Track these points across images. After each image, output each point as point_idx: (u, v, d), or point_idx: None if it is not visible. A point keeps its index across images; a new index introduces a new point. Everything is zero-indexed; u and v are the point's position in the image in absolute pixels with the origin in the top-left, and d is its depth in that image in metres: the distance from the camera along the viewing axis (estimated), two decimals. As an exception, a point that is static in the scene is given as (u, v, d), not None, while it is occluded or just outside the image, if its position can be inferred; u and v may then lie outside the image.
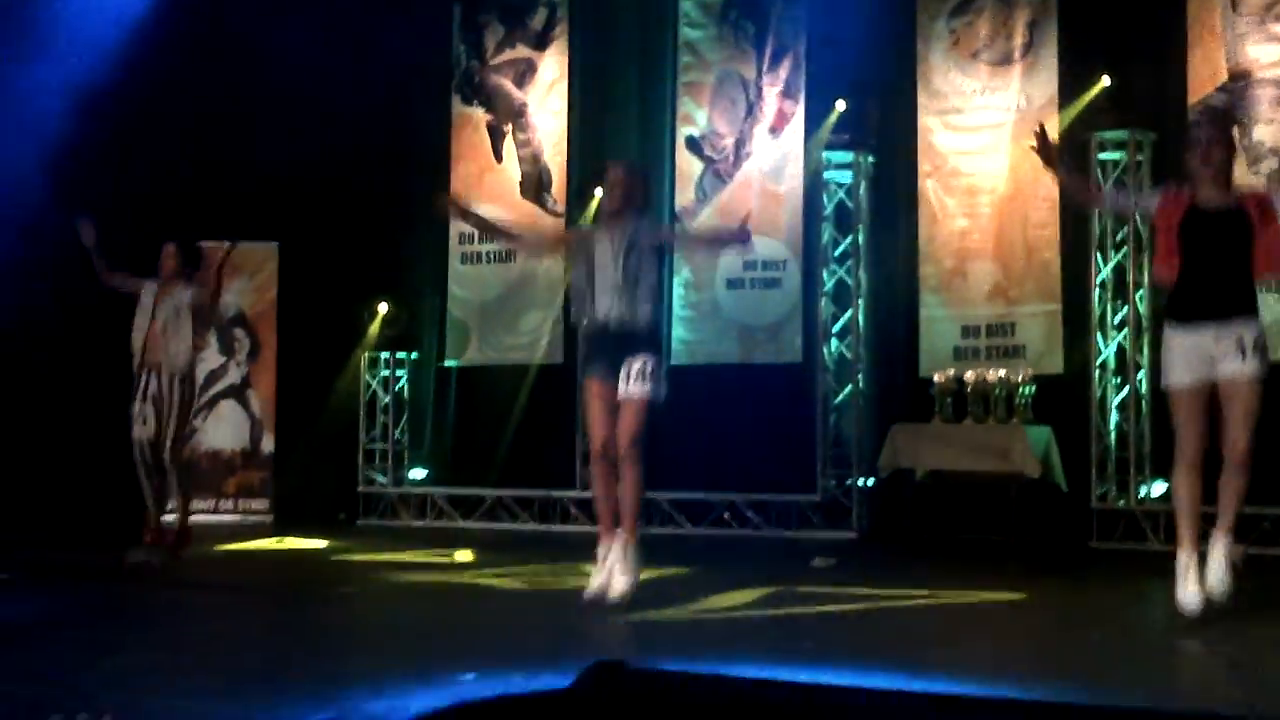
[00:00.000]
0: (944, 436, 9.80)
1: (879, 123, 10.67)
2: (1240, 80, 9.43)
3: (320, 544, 9.64)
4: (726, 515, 10.74)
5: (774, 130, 10.95)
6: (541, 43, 11.83)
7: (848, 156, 10.65)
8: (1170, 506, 6.23)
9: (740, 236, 6.81)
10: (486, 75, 11.99)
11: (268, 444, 11.80)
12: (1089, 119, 9.79)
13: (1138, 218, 9.43)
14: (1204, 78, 9.52)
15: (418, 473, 11.97)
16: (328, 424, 11.85)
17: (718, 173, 11.12)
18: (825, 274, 10.68)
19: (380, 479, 11.91)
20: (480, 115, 11.99)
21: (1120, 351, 9.80)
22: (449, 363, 11.97)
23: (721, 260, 10.82)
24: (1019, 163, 10.09)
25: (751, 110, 11.04)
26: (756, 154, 10.99)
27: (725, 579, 7.23)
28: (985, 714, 3.41)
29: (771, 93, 10.96)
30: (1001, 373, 9.76)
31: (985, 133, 10.32)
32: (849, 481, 10.44)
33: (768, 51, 10.98)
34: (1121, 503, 9.62)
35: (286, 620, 6.21)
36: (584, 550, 8.16)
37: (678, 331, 11.03)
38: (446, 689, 4.11)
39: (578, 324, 7.42)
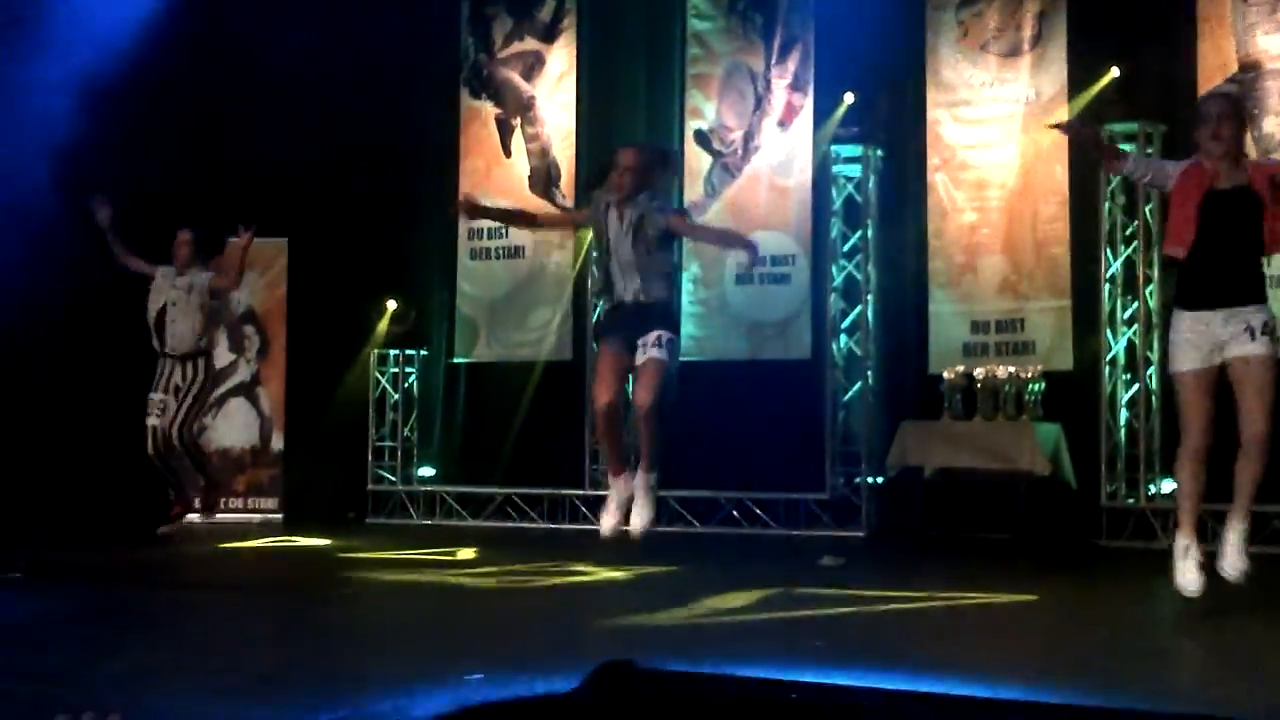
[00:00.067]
0: (953, 435, 9.76)
1: (887, 115, 10.64)
2: (1250, 71, 9.38)
3: (324, 542, 9.62)
4: (735, 513, 10.70)
5: (783, 123, 10.90)
6: (550, 35, 11.79)
7: (856, 150, 10.60)
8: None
9: (748, 246, 6.87)
10: (495, 68, 11.96)
11: (277, 442, 11.78)
12: (1098, 110, 9.73)
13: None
14: (1214, 68, 9.47)
15: (426, 471, 11.96)
16: (336, 422, 11.84)
17: (726, 167, 11.08)
18: (834, 269, 10.64)
19: (389, 477, 11.89)
20: (489, 109, 11.96)
21: (1130, 347, 9.76)
22: (458, 359, 11.94)
23: (730, 256, 10.78)
24: (1028, 155, 10.06)
25: (760, 103, 11.00)
26: (765, 148, 10.95)
27: (732, 578, 7.20)
28: (995, 715, 3.38)
29: (780, 85, 10.91)
30: (1011, 369, 9.72)
31: (994, 125, 10.28)
32: (858, 479, 10.40)
33: (776, 43, 10.94)
34: (1131, 501, 9.58)
35: (290, 619, 6.19)
36: (591, 549, 8.16)
37: (686, 328, 10.96)
38: (451, 689, 4.08)
39: (596, 296, 7.57)
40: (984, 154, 10.32)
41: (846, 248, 10.67)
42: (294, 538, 10.03)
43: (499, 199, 11.08)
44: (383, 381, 11.95)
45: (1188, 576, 5.63)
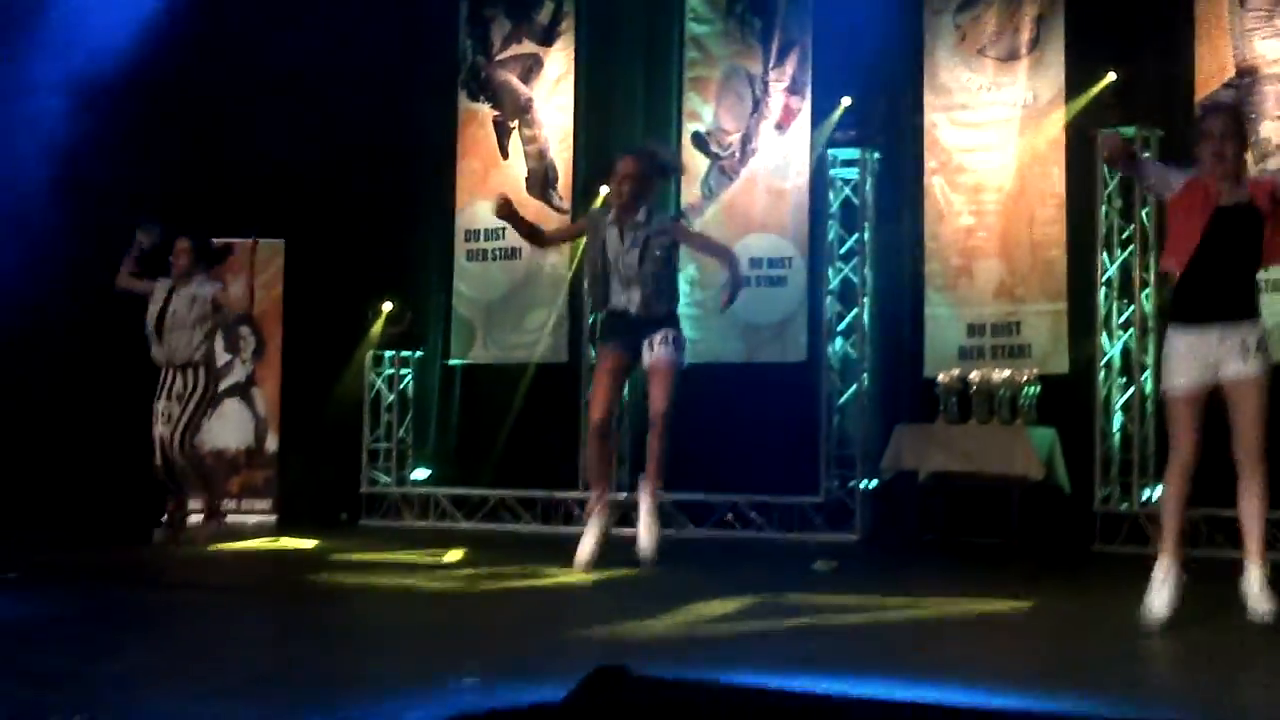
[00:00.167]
0: (947, 438, 9.76)
1: (884, 119, 10.64)
2: (1247, 76, 9.39)
3: (312, 544, 9.60)
4: (729, 516, 10.69)
5: (780, 126, 10.90)
6: (548, 38, 11.79)
7: (853, 153, 10.61)
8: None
9: (734, 280, 6.85)
10: (493, 71, 11.95)
11: (272, 443, 11.77)
12: (1095, 115, 9.74)
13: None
14: (1211, 73, 9.48)
15: (421, 473, 11.94)
16: (332, 423, 11.83)
17: (723, 169, 11.08)
18: (831, 272, 10.64)
19: (384, 479, 11.87)
20: (486, 111, 11.95)
21: (1125, 352, 9.76)
22: (454, 361, 11.94)
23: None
24: (1025, 159, 10.07)
25: (758, 106, 11.00)
26: (762, 150, 10.94)
27: (725, 582, 7.19)
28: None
29: (778, 88, 10.91)
30: (1006, 373, 9.71)
31: (991, 128, 10.28)
32: (852, 483, 10.39)
33: (774, 47, 10.94)
34: (1125, 506, 9.57)
35: (283, 622, 6.18)
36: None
37: (683, 330, 10.96)
38: (442, 695, 4.08)
39: (595, 309, 7.50)
40: (981, 157, 10.32)
41: (843, 250, 10.67)
42: (282, 539, 10.01)
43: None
44: (378, 383, 11.94)
45: (1155, 601, 5.62)
